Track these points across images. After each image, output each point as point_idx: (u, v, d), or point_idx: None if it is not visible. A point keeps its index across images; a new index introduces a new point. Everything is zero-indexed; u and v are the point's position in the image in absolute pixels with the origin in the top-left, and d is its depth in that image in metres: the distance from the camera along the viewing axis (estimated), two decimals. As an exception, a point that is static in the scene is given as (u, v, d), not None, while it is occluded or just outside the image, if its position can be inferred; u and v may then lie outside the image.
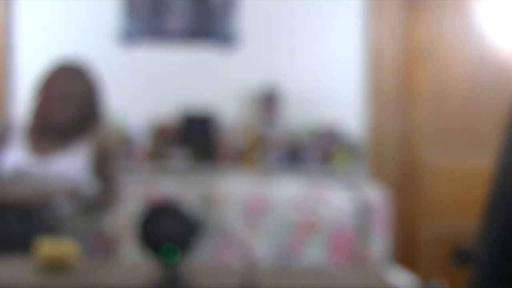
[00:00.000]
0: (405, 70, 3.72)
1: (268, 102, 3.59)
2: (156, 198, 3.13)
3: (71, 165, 2.94)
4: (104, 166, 3.07)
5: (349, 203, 3.24)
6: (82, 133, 3.00)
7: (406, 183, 3.74)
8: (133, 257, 3.04)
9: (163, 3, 3.71)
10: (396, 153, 3.72)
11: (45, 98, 2.93)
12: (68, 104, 2.92)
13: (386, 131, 3.71)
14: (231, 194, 3.22)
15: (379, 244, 3.22)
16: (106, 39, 3.70)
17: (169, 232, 1.86)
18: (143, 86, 3.70)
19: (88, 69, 3.01)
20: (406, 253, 3.74)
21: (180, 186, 3.32)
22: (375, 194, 3.28)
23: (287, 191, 3.24)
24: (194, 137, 3.56)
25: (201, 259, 3.11)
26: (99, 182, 3.11)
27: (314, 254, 3.18)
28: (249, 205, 3.21)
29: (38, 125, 2.96)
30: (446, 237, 3.58)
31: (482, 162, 3.73)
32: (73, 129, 3.00)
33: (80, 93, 2.94)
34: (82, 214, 2.95)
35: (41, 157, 2.93)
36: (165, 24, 3.71)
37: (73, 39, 3.68)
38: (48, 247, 1.98)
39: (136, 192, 3.21)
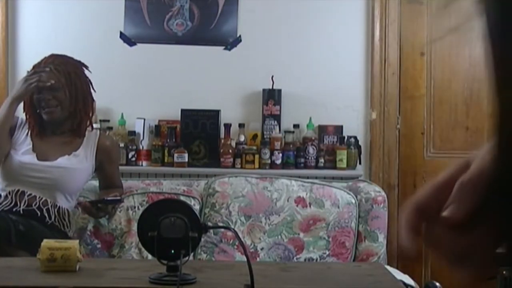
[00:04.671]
0: (405, 70, 3.73)
1: (269, 101, 3.60)
2: (157, 197, 3.14)
3: (74, 163, 2.95)
4: (106, 165, 3.08)
5: (350, 203, 3.24)
6: (79, 127, 3.00)
7: (406, 183, 3.75)
8: (134, 256, 3.05)
9: (164, 4, 3.72)
10: (396, 153, 3.73)
11: (37, 95, 2.94)
12: (57, 99, 2.92)
13: (386, 131, 3.71)
14: (231, 194, 3.22)
15: (379, 244, 3.22)
16: (108, 39, 3.71)
17: (170, 231, 1.87)
18: (144, 85, 3.71)
19: (75, 63, 3.00)
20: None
21: (181, 185, 3.33)
22: (375, 194, 3.28)
23: (288, 191, 3.24)
24: (195, 137, 3.57)
25: (201, 258, 3.11)
26: (100, 180, 3.12)
27: (314, 254, 3.18)
28: (249, 205, 3.21)
29: (36, 123, 2.97)
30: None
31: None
32: (70, 125, 3.00)
33: (68, 86, 2.93)
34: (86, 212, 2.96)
35: (45, 155, 2.94)
36: (166, 24, 3.72)
37: (74, 39, 3.68)
38: (50, 246, 1.99)
39: (137, 191, 3.22)
